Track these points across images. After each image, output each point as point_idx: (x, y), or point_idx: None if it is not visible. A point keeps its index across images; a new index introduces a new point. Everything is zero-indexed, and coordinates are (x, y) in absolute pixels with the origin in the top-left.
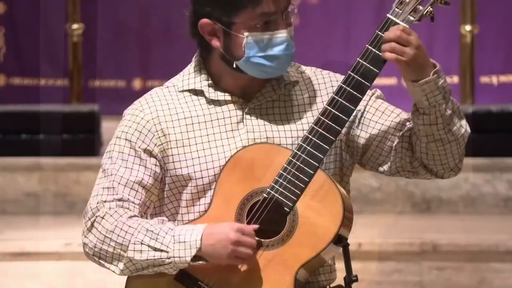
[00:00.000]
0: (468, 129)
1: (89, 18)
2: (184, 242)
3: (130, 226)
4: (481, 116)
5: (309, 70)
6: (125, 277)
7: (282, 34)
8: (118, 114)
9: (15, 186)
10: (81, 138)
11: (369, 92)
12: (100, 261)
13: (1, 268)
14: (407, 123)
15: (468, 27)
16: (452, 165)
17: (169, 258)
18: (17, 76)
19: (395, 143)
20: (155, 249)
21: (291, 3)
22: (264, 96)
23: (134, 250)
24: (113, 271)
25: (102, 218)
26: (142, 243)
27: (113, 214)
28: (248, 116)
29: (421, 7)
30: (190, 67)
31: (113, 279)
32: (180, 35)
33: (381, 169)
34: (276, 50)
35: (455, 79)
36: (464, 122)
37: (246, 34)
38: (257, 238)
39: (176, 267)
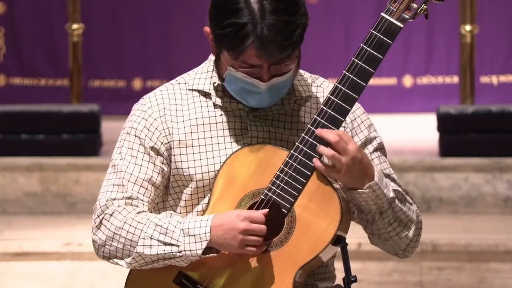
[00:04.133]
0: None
1: (89, 18)
2: (194, 235)
3: (139, 222)
4: (481, 116)
5: (324, 88)
6: (124, 280)
7: (258, 86)
8: (118, 114)
9: (15, 186)
10: (81, 138)
11: (375, 144)
12: (110, 257)
13: (1, 268)
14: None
15: (468, 27)
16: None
17: (180, 252)
18: (17, 76)
19: None
20: (165, 244)
21: (290, 61)
22: (271, 108)
23: (143, 245)
24: (121, 265)
25: (111, 215)
26: (151, 238)
27: (122, 211)
28: (253, 123)
29: (415, 5)
30: (204, 66)
31: (113, 280)
32: (180, 35)
33: None
34: (249, 97)
35: (455, 79)
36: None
37: (228, 67)
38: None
39: (187, 260)
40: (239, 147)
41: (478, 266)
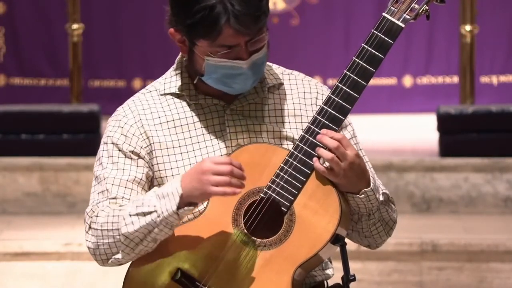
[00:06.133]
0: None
1: (89, 18)
2: (168, 194)
3: (120, 210)
4: (481, 116)
5: (296, 75)
6: (122, 279)
7: (240, 66)
8: None
9: (15, 186)
10: (81, 138)
11: (350, 130)
12: (108, 257)
13: (1, 268)
14: None
15: (468, 27)
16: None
17: (159, 217)
18: (17, 76)
19: None
20: (144, 214)
21: (264, 32)
22: (246, 98)
23: (126, 225)
24: (118, 260)
25: (97, 216)
26: (130, 215)
27: (105, 209)
28: (230, 118)
29: (416, 6)
30: (172, 70)
31: (113, 280)
32: None
33: None
34: (233, 81)
35: (455, 79)
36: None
37: (205, 57)
38: (255, 238)
39: (168, 224)
40: (219, 142)
41: (478, 266)
